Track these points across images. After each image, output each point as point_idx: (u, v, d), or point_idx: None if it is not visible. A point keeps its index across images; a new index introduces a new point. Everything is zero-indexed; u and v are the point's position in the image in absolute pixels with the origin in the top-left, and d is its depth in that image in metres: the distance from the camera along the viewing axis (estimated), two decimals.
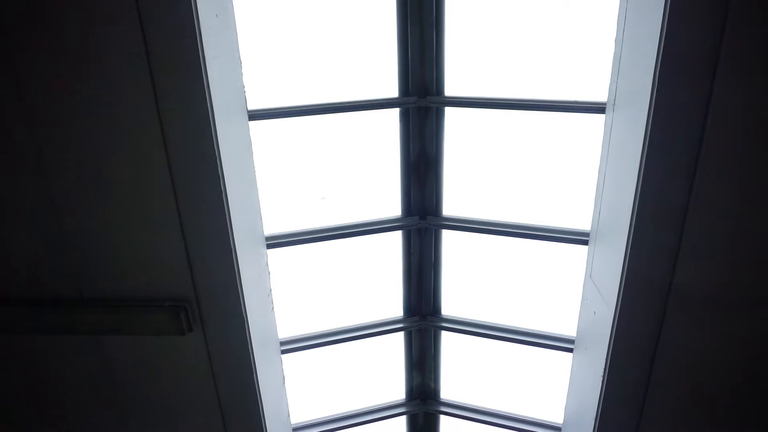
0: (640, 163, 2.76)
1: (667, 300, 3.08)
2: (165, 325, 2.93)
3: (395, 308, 4.48)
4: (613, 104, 3.21)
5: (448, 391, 4.86)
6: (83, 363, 3.29)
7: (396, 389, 4.87)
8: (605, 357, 3.33)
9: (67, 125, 2.61)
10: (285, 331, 4.13)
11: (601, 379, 3.41)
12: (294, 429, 4.52)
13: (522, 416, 4.73)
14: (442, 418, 4.96)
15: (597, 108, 3.39)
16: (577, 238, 3.75)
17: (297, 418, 4.55)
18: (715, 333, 3.21)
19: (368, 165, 4.10)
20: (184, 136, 2.62)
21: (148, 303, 2.98)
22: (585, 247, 3.68)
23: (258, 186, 3.42)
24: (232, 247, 2.88)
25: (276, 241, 3.75)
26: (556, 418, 4.51)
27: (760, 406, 3.44)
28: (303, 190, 4.09)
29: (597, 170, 3.47)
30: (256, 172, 3.38)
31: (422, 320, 4.46)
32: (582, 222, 3.76)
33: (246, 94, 3.22)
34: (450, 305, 4.48)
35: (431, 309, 4.45)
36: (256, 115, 3.37)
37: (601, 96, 3.36)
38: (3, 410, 3.50)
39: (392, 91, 3.73)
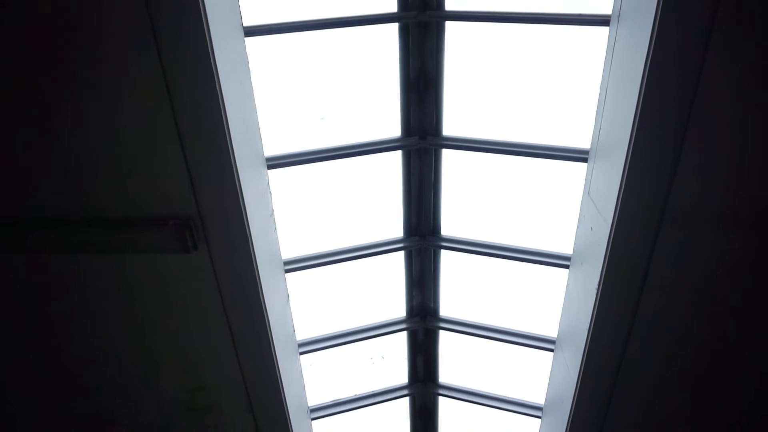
0: (642, 79, 2.72)
1: (663, 215, 3.13)
2: (170, 243, 3.00)
3: (396, 229, 4.55)
4: (618, 17, 3.13)
5: (447, 309, 5.03)
6: (94, 284, 3.38)
7: (397, 307, 5.04)
8: (600, 271, 3.42)
9: (61, 48, 2.56)
10: (288, 251, 4.22)
11: (595, 292, 3.52)
12: (300, 344, 4.71)
13: (518, 331, 4.92)
14: (442, 333, 5.15)
15: (601, 20, 3.31)
16: (577, 155, 3.76)
17: (302, 335, 4.73)
18: (709, 248, 3.29)
19: (367, 84, 4.03)
20: (181, 52, 2.57)
21: (152, 222, 3.03)
22: (584, 165, 3.70)
23: (257, 105, 3.39)
24: (233, 165, 2.90)
25: (276, 162, 3.76)
26: (551, 332, 4.69)
27: (749, 309, 3.58)
28: (302, 110, 4.04)
29: (598, 87, 3.43)
30: (255, 92, 3.34)
31: (422, 240, 4.54)
32: (582, 140, 3.76)
33: (241, 9, 3.13)
34: (449, 225, 4.55)
35: (431, 229, 4.52)
36: (252, 32, 3.29)
37: (605, 8, 3.27)
38: (16, 333, 3.65)
39: (391, 5, 3.62)
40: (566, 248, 4.21)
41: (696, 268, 3.40)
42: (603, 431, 4.30)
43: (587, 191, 3.61)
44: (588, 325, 3.72)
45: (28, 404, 4.06)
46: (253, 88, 3.31)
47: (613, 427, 4.28)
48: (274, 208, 3.78)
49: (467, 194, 4.47)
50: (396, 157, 4.18)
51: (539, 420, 5.25)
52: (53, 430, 4.24)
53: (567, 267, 4.20)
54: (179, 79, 2.64)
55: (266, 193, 3.63)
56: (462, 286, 4.99)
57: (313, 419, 5.19)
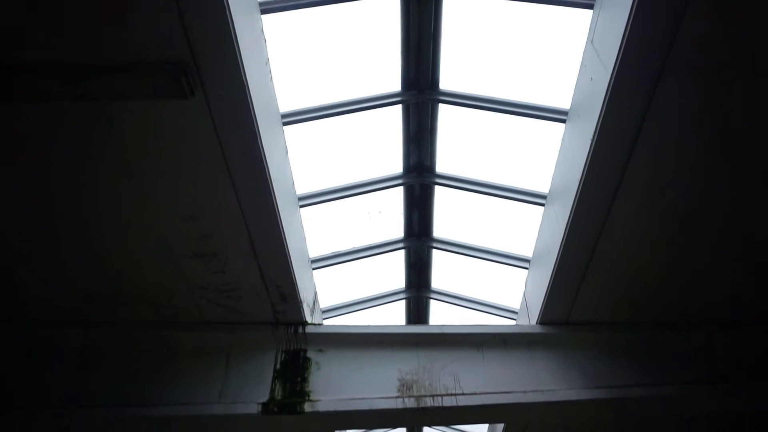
0: None
1: (665, 63, 3.09)
2: (167, 88, 2.97)
3: (394, 82, 4.48)
4: None
5: (443, 164, 5.12)
6: (93, 133, 3.40)
7: (394, 163, 5.12)
8: (596, 122, 3.45)
9: None
10: (286, 104, 4.19)
11: (590, 143, 3.58)
12: (299, 198, 4.85)
13: (512, 186, 5.05)
14: (437, 188, 5.29)
15: None
16: (583, 1, 3.61)
17: (302, 189, 4.86)
18: (707, 98, 3.29)
19: None
20: None
21: (148, 67, 2.98)
22: (589, 13, 3.57)
23: None
24: (226, 6, 2.79)
25: (270, 7, 3.61)
26: (544, 188, 4.82)
27: (743, 164, 3.68)
28: None
29: None
30: None
31: (420, 94, 4.50)
32: None
33: None
34: (448, 79, 4.48)
35: (429, 82, 4.46)
36: None
37: None
38: (17, 185, 3.73)
39: None
40: (564, 104, 4.20)
41: (691, 123, 3.43)
42: (585, 280, 4.60)
43: (590, 39, 3.52)
44: (580, 177, 3.82)
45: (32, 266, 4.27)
46: None
47: (594, 279, 4.58)
48: (270, 57, 3.70)
49: (468, 46, 4.34)
50: (395, 4, 3.99)
51: (527, 271, 5.58)
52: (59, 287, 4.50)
53: (564, 121, 4.22)
54: None
55: (261, 39, 3.53)
56: (459, 142, 5.03)
57: (313, 269, 5.50)
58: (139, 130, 3.42)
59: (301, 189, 4.85)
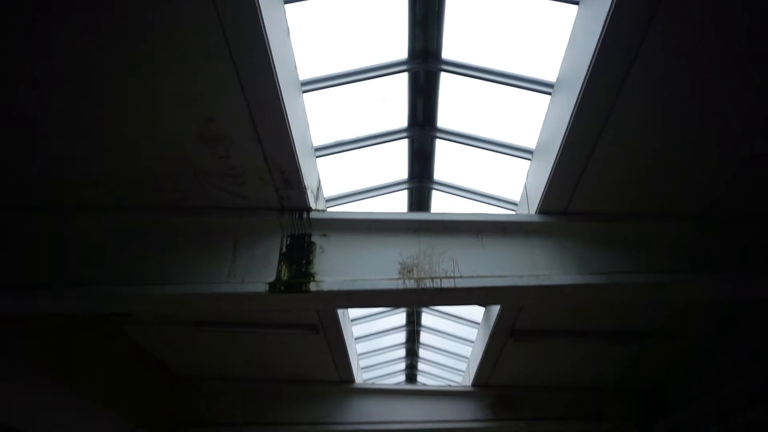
0: None
1: None
2: None
3: None
4: None
5: (449, 51, 4.96)
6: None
7: (399, 49, 4.97)
8: (609, 4, 3.33)
9: None
10: None
11: (602, 27, 3.46)
12: (302, 83, 4.78)
13: (519, 74, 4.95)
14: (443, 76, 5.18)
15: None
16: None
17: (305, 74, 4.77)
18: None
19: None
20: None
21: None
22: None
23: None
24: None
25: None
26: (552, 77, 4.72)
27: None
28: None
29: None
30: None
31: None
32: None
33: None
34: None
35: None
36: None
37: None
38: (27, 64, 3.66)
39: None
40: None
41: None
42: (586, 169, 4.64)
43: None
44: (589, 62, 3.74)
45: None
46: None
47: (595, 168, 4.61)
48: None
49: None
50: None
51: (529, 162, 5.61)
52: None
53: (577, 2, 4.04)
54: None
55: None
56: (466, 27, 4.84)
57: (317, 157, 5.53)
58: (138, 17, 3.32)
59: (304, 74, 4.76)
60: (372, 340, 10.46)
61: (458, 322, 9.51)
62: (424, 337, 10.64)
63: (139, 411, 8.31)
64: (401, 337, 10.75)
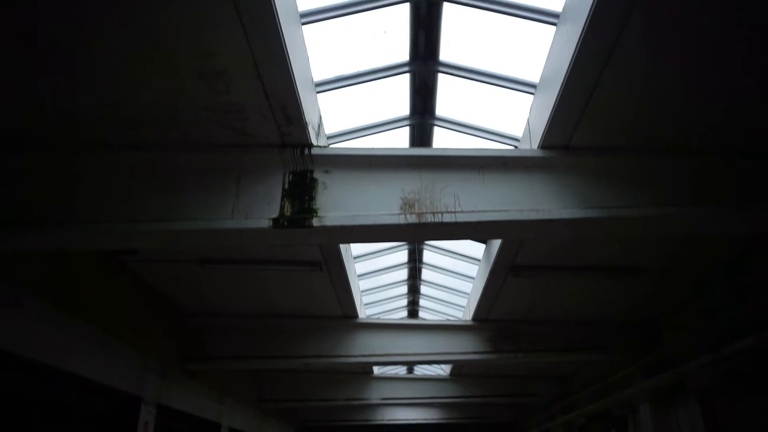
0: None
1: None
2: None
3: None
4: None
5: None
6: None
7: None
8: None
9: None
10: None
11: None
12: (302, 15, 4.67)
13: (524, 4, 4.82)
14: (445, 5, 5.04)
15: None
16: None
17: (304, 5, 4.66)
18: None
19: None
20: None
21: None
22: None
23: None
24: None
25: None
26: (557, 6, 4.60)
27: None
28: None
29: None
30: None
31: None
32: None
33: None
34: None
35: None
36: None
37: None
38: None
39: None
40: None
41: None
42: (590, 102, 4.60)
43: None
44: None
45: None
46: None
47: (599, 101, 4.57)
48: None
49: None
50: None
51: (532, 96, 5.54)
52: None
53: None
54: None
55: None
56: None
57: (318, 92, 5.46)
58: None
59: (304, 5, 4.64)
60: (375, 277, 10.67)
61: (459, 259, 9.67)
62: (426, 274, 10.85)
63: (149, 344, 8.60)
64: (403, 274, 10.96)
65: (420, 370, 17.04)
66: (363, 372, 15.37)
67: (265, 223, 4.83)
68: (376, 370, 15.78)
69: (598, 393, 12.09)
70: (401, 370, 17.05)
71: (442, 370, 16.17)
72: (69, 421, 7.68)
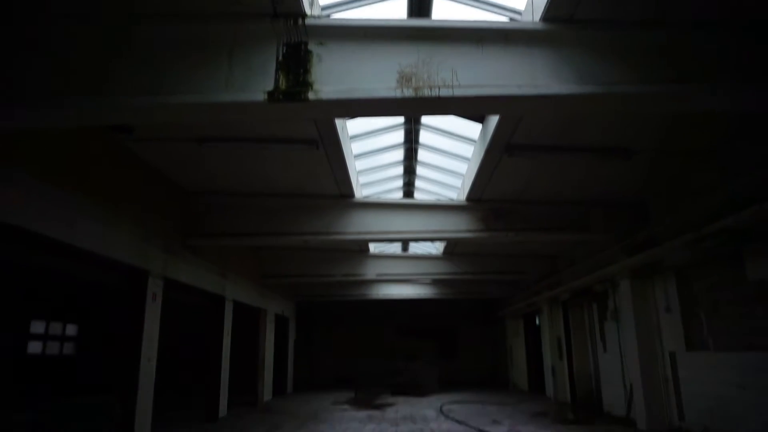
0: None
1: None
2: None
3: None
4: None
5: None
6: None
7: None
8: None
9: None
10: None
11: None
12: None
13: None
14: None
15: None
16: None
17: None
18: None
19: None
20: None
21: None
22: None
23: None
24: None
25: None
26: None
27: None
28: None
29: None
30: None
31: None
32: None
33: None
34: None
35: None
36: None
37: None
38: None
39: None
40: None
41: None
42: None
43: None
44: None
45: None
46: None
47: None
48: None
49: None
50: None
51: None
52: None
53: None
54: None
55: None
56: None
57: None
58: None
59: None
60: (371, 157, 10.73)
61: (455, 140, 9.68)
62: (422, 155, 10.89)
63: (152, 221, 8.86)
64: (399, 154, 11.00)
65: (414, 250, 17.71)
66: (359, 250, 15.98)
67: (260, 96, 4.78)
68: (372, 248, 16.39)
69: (583, 270, 12.71)
70: (397, 249, 17.72)
71: (436, 249, 16.82)
72: (84, 294, 8.12)
